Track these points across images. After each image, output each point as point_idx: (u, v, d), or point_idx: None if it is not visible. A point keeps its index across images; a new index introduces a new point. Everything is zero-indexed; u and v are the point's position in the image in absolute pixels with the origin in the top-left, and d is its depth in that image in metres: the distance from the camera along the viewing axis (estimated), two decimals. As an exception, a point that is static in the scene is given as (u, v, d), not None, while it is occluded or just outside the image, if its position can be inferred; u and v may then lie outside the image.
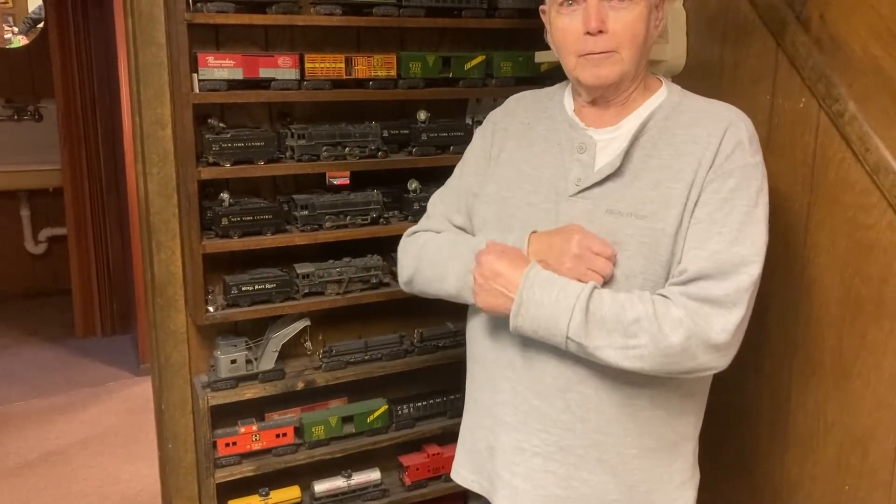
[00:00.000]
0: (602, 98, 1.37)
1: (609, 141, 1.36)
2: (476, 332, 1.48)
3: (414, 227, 1.58)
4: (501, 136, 1.49)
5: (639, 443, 1.34)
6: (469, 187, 1.51)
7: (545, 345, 1.31)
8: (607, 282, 1.28)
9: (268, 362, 2.16)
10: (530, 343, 1.34)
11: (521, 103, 1.53)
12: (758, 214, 1.26)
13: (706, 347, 1.22)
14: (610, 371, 1.29)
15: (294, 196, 2.15)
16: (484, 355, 1.46)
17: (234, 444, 2.14)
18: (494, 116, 1.55)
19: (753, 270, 1.24)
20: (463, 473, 1.56)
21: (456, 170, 1.58)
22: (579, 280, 1.26)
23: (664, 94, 1.38)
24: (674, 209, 1.27)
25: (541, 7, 1.43)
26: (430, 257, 1.47)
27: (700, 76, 1.80)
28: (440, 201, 1.57)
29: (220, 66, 1.97)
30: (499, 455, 1.43)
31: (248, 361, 2.14)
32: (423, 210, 2.17)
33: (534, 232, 1.35)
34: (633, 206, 1.30)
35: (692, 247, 1.25)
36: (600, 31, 1.28)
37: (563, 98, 1.46)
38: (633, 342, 1.22)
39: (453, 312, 1.47)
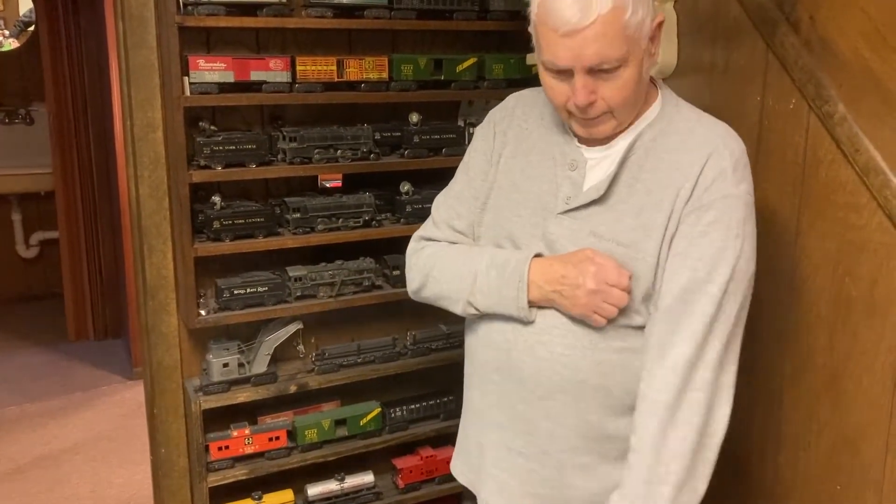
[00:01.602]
0: None
1: (600, 160, 1.34)
2: (469, 334, 1.49)
3: (419, 233, 1.55)
4: (501, 140, 1.47)
5: (618, 450, 1.33)
6: (474, 192, 1.48)
7: (527, 354, 1.32)
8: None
9: (260, 366, 2.16)
10: (513, 351, 1.35)
11: (521, 105, 1.49)
12: (736, 248, 1.24)
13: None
14: (589, 382, 1.29)
15: (286, 199, 2.15)
16: (475, 356, 1.47)
17: (227, 447, 2.14)
18: (494, 117, 1.51)
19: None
20: (458, 466, 1.59)
21: (458, 173, 1.54)
22: (596, 314, 1.26)
23: (657, 108, 1.34)
24: (652, 240, 1.27)
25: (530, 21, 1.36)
26: (435, 275, 1.46)
27: (691, 77, 1.80)
28: (443, 206, 1.54)
29: (211, 69, 1.97)
30: (487, 452, 1.45)
31: (241, 365, 2.14)
32: (415, 212, 2.20)
33: (537, 255, 1.33)
34: (614, 231, 1.29)
35: (667, 279, 1.26)
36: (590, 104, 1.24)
37: None
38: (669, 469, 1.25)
39: (446, 315, 1.47)
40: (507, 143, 1.45)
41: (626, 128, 1.33)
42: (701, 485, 1.27)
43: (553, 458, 1.35)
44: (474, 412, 1.50)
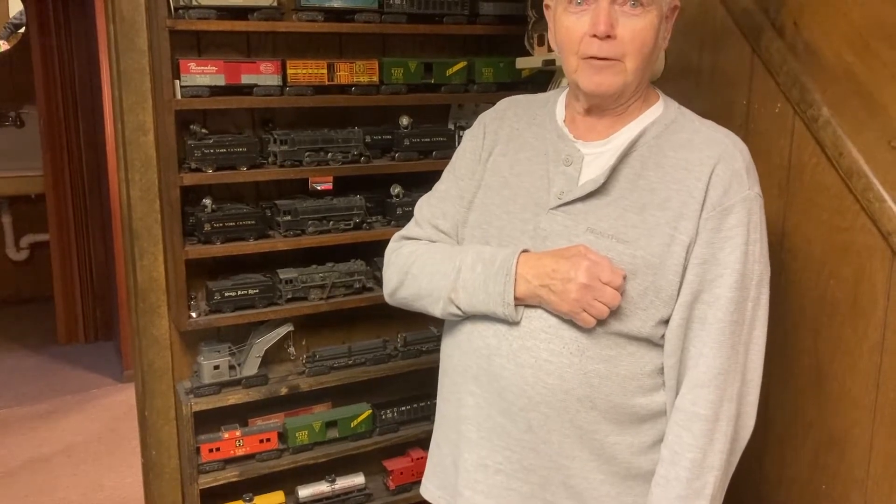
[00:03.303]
0: (598, 107, 1.30)
1: (597, 155, 1.30)
2: (447, 340, 1.43)
3: (401, 233, 1.51)
4: (491, 139, 1.43)
5: (607, 469, 1.28)
6: (460, 191, 1.44)
7: (509, 361, 1.27)
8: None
9: (251, 368, 2.16)
10: (495, 358, 1.29)
11: (513, 107, 1.46)
12: (756, 252, 1.23)
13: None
14: (574, 393, 1.24)
15: (277, 201, 2.16)
16: (452, 368, 1.40)
17: (218, 449, 2.14)
18: (485, 118, 1.48)
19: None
20: (430, 488, 1.50)
21: (445, 173, 1.51)
22: (585, 312, 1.21)
23: (660, 109, 1.32)
24: (657, 238, 1.23)
25: (545, 2, 1.35)
26: (414, 272, 1.40)
27: (678, 81, 1.82)
28: (426, 205, 1.49)
29: (202, 73, 1.98)
30: (461, 472, 1.37)
31: (232, 367, 2.14)
32: (405, 215, 2.21)
33: (525, 251, 1.28)
34: (615, 227, 1.25)
35: (695, 288, 1.23)
36: (608, 36, 1.21)
37: (555, 106, 1.39)
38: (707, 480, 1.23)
39: (437, 317, 1.46)
40: (498, 142, 1.42)
41: (626, 123, 1.31)
42: (722, 494, 1.28)
43: (536, 474, 1.29)
44: (449, 427, 1.41)
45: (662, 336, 1.26)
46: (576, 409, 1.25)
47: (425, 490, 1.52)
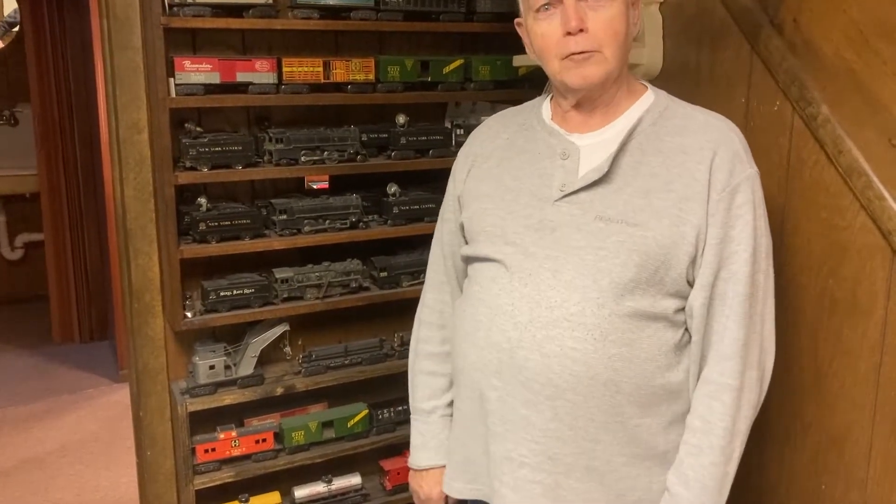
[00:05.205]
0: (587, 100, 1.34)
1: (594, 146, 1.33)
2: (460, 343, 1.44)
3: (421, 298, 1.64)
4: (476, 170, 1.48)
5: (628, 451, 1.31)
6: (451, 226, 1.53)
7: (531, 352, 1.29)
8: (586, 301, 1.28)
9: (247, 368, 2.15)
10: (518, 350, 1.31)
11: (501, 120, 1.52)
12: (762, 227, 1.30)
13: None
14: (600, 378, 1.27)
15: (272, 200, 2.14)
16: (470, 366, 1.41)
17: (214, 450, 2.13)
18: (470, 150, 1.52)
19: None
20: (457, 486, 1.52)
21: (438, 222, 1.60)
22: None
23: (651, 98, 1.37)
24: (666, 220, 1.26)
25: (516, 21, 1.41)
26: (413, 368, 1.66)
27: (676, 79, 1.81)
28: (436, 245, 1.60)
29: (196, 71, 1.96)
30: (491, 464, 1.40)
31: (227, 367, 2.13)
32: (402, 214, 2.20)
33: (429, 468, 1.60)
34: (623, 212, 1.28)
35: (713, 266, 1.28)
36: (581, 31, 1.26)
37: (540, 108, 1.44)
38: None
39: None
40: (488, 158, 1.46)
41: (618, 115, 1.35)
42: None
43: (561, 463, 1.31)
44: (474, 421, 1.43)
45: (676, 312, 1.31)
46: (601, 393, 1.28)
47: (451, 489, 1.54)
